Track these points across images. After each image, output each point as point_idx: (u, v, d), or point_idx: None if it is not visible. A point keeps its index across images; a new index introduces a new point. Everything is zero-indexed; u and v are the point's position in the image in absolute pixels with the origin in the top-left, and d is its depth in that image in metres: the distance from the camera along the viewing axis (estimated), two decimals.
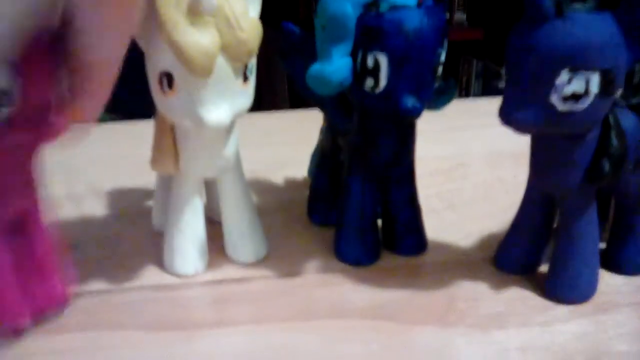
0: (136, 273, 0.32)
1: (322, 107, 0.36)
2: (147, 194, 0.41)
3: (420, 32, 0.27)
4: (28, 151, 0.25)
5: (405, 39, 0.27)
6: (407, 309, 0.29)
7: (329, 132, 0.37)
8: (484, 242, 0.35)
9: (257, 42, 0.27)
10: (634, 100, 0.29)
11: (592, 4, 0.25)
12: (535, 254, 0.32)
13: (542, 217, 0.31)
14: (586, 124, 0.26)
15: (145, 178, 0.39)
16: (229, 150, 0.31)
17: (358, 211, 0.33)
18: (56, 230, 0.28)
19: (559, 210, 0.30)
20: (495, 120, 0.26)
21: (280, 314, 0.29)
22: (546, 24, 0.24)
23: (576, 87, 0.24)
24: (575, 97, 0.24)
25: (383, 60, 0.27)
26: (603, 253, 0.32)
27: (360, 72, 0.28)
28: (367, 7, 0.27)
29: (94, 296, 0.30)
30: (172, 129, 0.30)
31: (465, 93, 1.46)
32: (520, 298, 0.30)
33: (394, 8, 0.27)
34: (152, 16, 0.25)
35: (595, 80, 0.24)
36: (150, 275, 0.32)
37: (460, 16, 1.43)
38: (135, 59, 0.27)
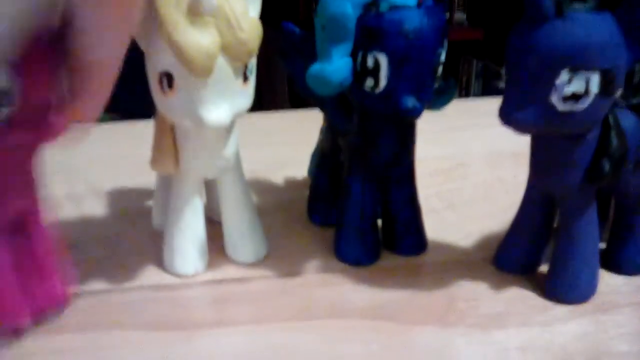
0: (136, 273, 0.32)
1: (322, 107, 0.36)
2: (147, 194, 0.41)
3: (420, 32, 0.27)
4: (28, 151, 0.25)
5: (405, 39, 0.27)
6: (407, 309, 0.29)
7: (329, 132, 0.37)
8: (484, 242, 0.35)
9: (257, 42, 0.27)
10: (634, 100, 0.29)
11: (592, 4, 0.25)
12: (535, 254, 0.32)
13: (542, 217, 0.31)
14: (586, 124, 0.26)
15: (145, 178, 0.39)
16: (229, 150, 0.31)
17: (358, 211, 0.33)
18: (56, 230, 0.28)
19: (559, 210, 0.30)
20: (495, 120, 0.26)
21: (280, 313, 0.29)
22: (546, 24, 0.24)
23: (576, 87, 0.24)
24: (575, 97, 0.24)
25: (383, 60, 0.27)
26: (603, 253, 0.32)
27: (360, 72, 0.28)
28: (367, 7, 0.27)
29: (94, 296, 0.30)
30: (172, 129, 0.30)
31: (465, 93, 1.46)
32: (520, 298, 0.30)
33: (394, 8, 0.27)
34: (152, 16, 0.25)
35: (595, 80, 0.24)
36: (150, 275, 0.32)
37: (460, 16, 1.43)
38: (135, 59, 0.27)
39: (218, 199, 0.33)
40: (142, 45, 0.27)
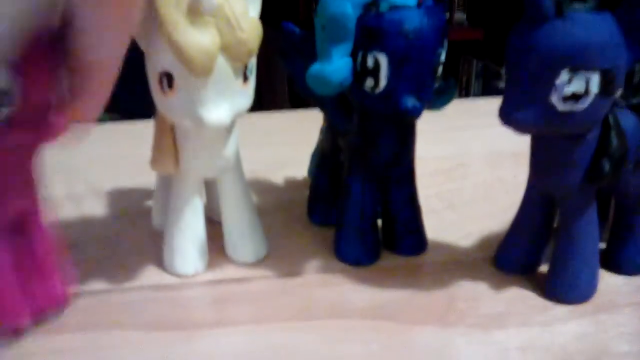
0: (136, 273, 0.32)
1: (322, 107, 0.36)
2: (147, 194, 0.41)
3: (420, 32, 0.27)
4: (28, 151, 0.25)
5: (405, 39, 0.27)
6: (407, 309, 0.29)
7: (329, 132, 0.37)
8: (484, 242, 0.35)
9: (257, 42, 0.27)
10: (634, 100, 0.29)
11: (592, 4, 0.25)
12: (535, 254, 0.32)
13: (542, 217, 0.31)
14: (586, 124, 0.26)
15: (145, 178, 0.39)
16: (229, 150, 0.31)
17: (358, 211, 0.33)
18: (56, 230, 0.28)
19: (559, 210, 0.30)
20: (495, 120, 0.26)
21: (280, 314, 0.29)
22: (546, 24, 0.24)
23: (576, 87, 0.24)
24: (575, 97, 0.24)
25: (383, 60, 0.27)
26: (603, 253, 0.32)
27: (360, 72, 0.28)
28: (367, 7, 0.27)
29: (93, 296, 0.30)
30: (172, 129, 0.30)
31: (465, 93, 1.46)
32: (520, 298, 0.30)
33: (394, 8, 0.27)
34: (152, 16, 0.25)
35: (595, 80, 0.24)
36: (150, 275, 0.32)
37: (460, 16, 1.43)
38: (135, 59, 0.27)
39: (218, 199, 0.33)
40: (142, 45, 0.27)
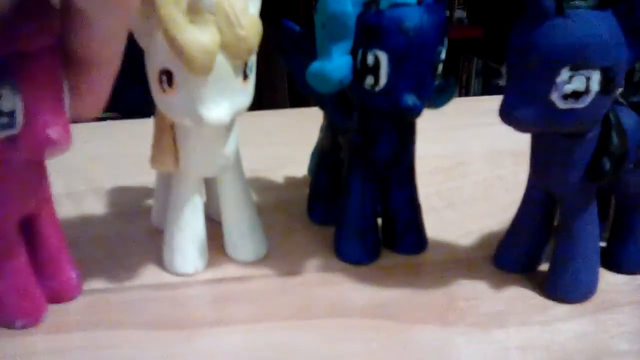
0: (136, 272, 0.32)
1: (322, 106, 0.36)
2: (147, 192, 0.41)
3: (421, 30, 0.27)
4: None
5: (406, 36, 0.27)
6: (407, 307, 0.29)
7: (329, 130, 0.37)
8: (484, 241, 0.35)
9: (257, 39, 0.27)
10: (635, 99, 0.29)
11: (593, 2, 0.25)
12: (536, 253, 0.32)
13: (542, 216, 0.31)
14: (587, 123, 0.26)
15: (145, 177, 0.39)
16: (229, 148, 0.31)
17: (358, 210, 0.33)
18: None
19: (559, 209, 0.30)
20: (495, 118, 0.26)
21: (280, 312, 0.29)
22: (547, 21, 0.24)
23: (577, 85, 0.24)
24: (576, 96, 0.24)
25: (383, 58, 0.27)
26: (603, 252, 0.32)
27: (361, 70, 0.28)
28: (367, 5, 0.27)
29: (93, 295, 0.30)
30: (172, 127, 0.30)
31: (466, 91, 1.46)
32: (520, 297, 0.30)
33: (394, 6, 0.27)
34: (152, 14, 0.25)
35: (595, 78, 0.24)
36: (150, 274, 0.32)
37: (460, 14, 1.43)
38: (135, 58, 0.27)
39: (218, 197, 0.33)
40: (142, 44, 0.27)
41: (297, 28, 0.35)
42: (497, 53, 1.34)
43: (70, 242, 0.30)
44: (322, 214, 0.37)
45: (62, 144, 0.23)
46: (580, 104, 0.25)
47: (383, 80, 0.28)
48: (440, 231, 0.36)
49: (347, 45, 0.28)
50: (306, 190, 0.39)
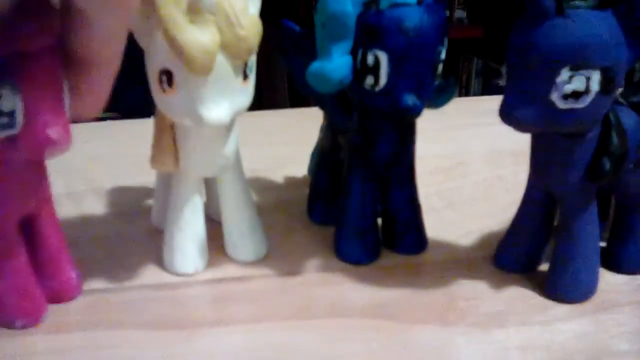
0: (136, 272, 0.32)
1: (322, 106, 0.36)
2: (147, 192, 0.41)
3: (421, 30, 0.27)
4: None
5: (406, 36, 0.27)
6: (407, 307, 0.29)
7: (329, 130, 0.37)
8: (484, 241, 0.35)
9: (257, 39, 0.27)
10: (635, 99, 0.29)
11: (593, 2, 0.25)
12: (536, 253, 0.32)
13: (542, 216, 0.31)
14: (587, 122, 0.26)
15: (145, 177, 0.39)
16: (229, 148, 0.31)
17: (358, 210, 0.33)
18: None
19: (559, 209, 0.30)
20: (495, 118, 0.26)
21: (280, 312, 0.29)
22: (547, 21, 0.24)
23: (577, 85, 0.24)
24: (576, 95, 0.24)
25: (383, 58, 0.27)
26: (603, 252, 0.32)
27: (361, 70, 0.28)
28: (367, 5, 0.27)
29: (93, 295, 0.30)
30: (172, 127, 0.30)
31: (466, 91, 1.46)
32: (520, 297, 0.30)
33: (394, 5, 0.27)
34: (152, 14, 0.25)
35: (595, 78, 0.24)
36: (150, 274, 0.32)
37: (460, 14, 1.43)
38: (135, 58, 0.27)
39: (218, 197, 0.33)
40: (142, 44, 0.27)
41: (297, 28, 0.35)
42: (497, 53, 1.34)
43: (70, 242, 0.30)
44: (322, 214, 0.37)
45: (62, 144, 0.23)
46: (580, 104, 0.25)
47: (383, 80, 0.28)
48: (440, 231, 0.36)
49: (347, 45, 0.28)
50: (306, 190, 0.39)
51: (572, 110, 0.25)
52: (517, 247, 0.32)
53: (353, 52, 0.28)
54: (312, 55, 0.29)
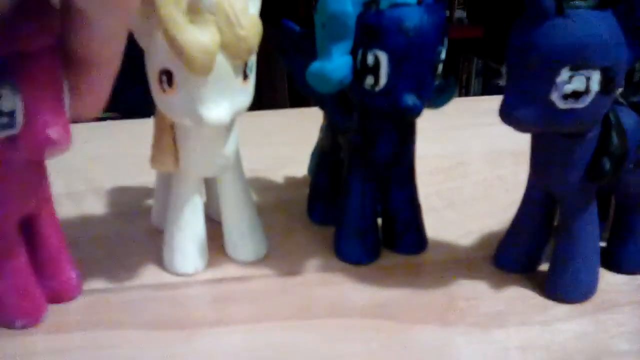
0: (136, 272, 0.32)
1: (322, 106, 0.36)
2: (147, 192, 0.41)
3: (421, 30, 0.27)
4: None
5: (406, 36, 0.27)
6: (407, 307, 0.29)
7: (329, 130, 0.37)
8: (484, 241, 0.35)
9: (257, 39, 0.27)
10: (635, 99, 0.29)
11: (593, 2, 0.25)
12: (536, 253, 0.32)
13: (542, 216, 0.31)
14: (587, 122, 0.26)
15: (145, 177, 0.39)
16: (229, 148, 0.31)
17: (358, 210, 0.33)
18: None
19: (559, 209, 0.30)
20: (495, 118, 0.26)
21: (280, 312, 0.29)
22: (547, 21, 0.24)
23: (577, 85, 0.24)
24: (576, 95, 0.24)
25: (383, 58, 0.27)
26: (603, 252, 0.32)
27: (361, 70, 0.28)
28: (367, 5, 0.27)
29: (93, 295, 0.30)
30: (172, 127, 0.30)
31: (466, 91, 1.46)
32: (520, 297, 0.30)
33: (394, 5, 0.27)
34: (152, 14, 0.25)
35: (595, 78, 0.24)
36: (150, 274, 0.32)
37: (460, 14, 1.43)
38: (135, 58, 0.27)
39: (218, 197, 0.33)
40: (142, 44, 0.27)
41: (297, 28, 0.35)
42: (497, 53, 1.34)
43: (70, 242, 0.30)
44: (322, 214, 0.37)
45: (62, 144, 0.23)
46: (580, 104, 0.25)
47: (383, 80, 0.28)
48: (440, 231, 0.36)
49: (347, 45, 0.28)
50: (306, 190, 0.39)
51: (572, 110, 0.25)
52: (517, 247, 0.32)
53: (353, 52, 0.28)
54: (312, 55, 0.29)
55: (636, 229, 0.31)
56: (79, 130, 0.24)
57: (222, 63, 0.26)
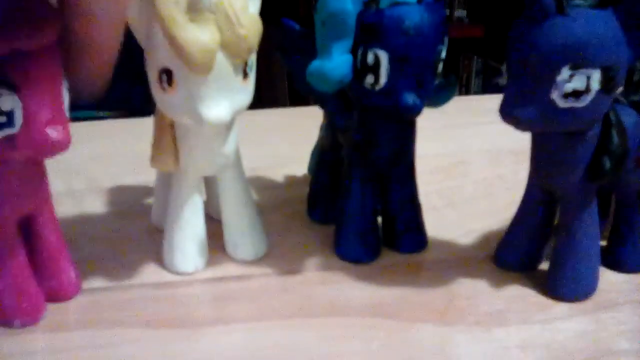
0: (136, 271, 0.32)
1: (322, 104, 0.36)
2: (147, 191, 0.41)
3: (421, 29, 0.27)
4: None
5: (406, 35, 0.27)
6: (407, 306, 0.29)
7: (329, 129, 0.37)
8: (484, 240, 0.35)
9: (257, 38, 0.27)
10: (635, 98, 0.29)
11: (593, 1, 0.25)
12: (536, 252, 0.32)
13: (542, 214, 0.31)
14: (587, 121, 0.26)
15: (145, 175, 0.39)
16: (229, 147, 0.31)
17: (358, 209, 0.33)
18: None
19: (559, 207, 0.30)
20: (495, 117, 0.26)
21: (280, 311, 0.29)
22: (547, 20, 0.24)
23: (577, 84, 0.24)
24: (576, 94, 0.24)
25: (383, 57, 0.27)
26: (604, 251, 0.32)
27: (361, 68, 0.28)
28: (367, 4, 0.27)
29: (93, 294, 0.30)
30: (172, 126, 0.30)
31: (466, 90, 1.45)
32: (520, 296, 0.30)
33: (394, 4, 0.27)
34: (152, 13, 0.25)
35: (596, 77, 0.24)
36: (150, 272, 0.32)
37: (460, 13, 1.43)
38: (134, 56, 0.27)
39: (218, 196, 0.33)
40: (142, 43, 0.27)
41: (297, 27, 0.35)
42: (497, 52, 1.34)
43: (70, 241, 0.30)
44: (322, 212, 0.37)
45: (61, 143, 0.23)
46: (580, 103, 0.25)
47: (383, 79, 0.28)
48: (441, 230, 0.36)
49: (347, 43, 0.28)
50: (306, 189, 0.39)
51: (572, 109, 0.25)
52: (518, 246, 0.32)
53: (353, 51, 0.28)
54: (312, 54, 0.29)
55: (636, 228, 0.31)
56: (79, 130, 0.24)
57: (222, 62, 0.26)
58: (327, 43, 0.28)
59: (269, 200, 0.41)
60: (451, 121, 0.52)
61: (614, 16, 0.24)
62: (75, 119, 0.25)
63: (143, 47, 0.27)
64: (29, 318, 0.27)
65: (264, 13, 0.28)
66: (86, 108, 0.47)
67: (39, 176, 0.27)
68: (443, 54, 0.28)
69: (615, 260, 0.32)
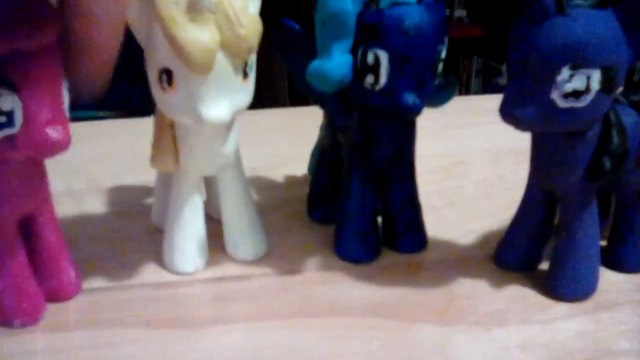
0: (136, 271, 0.32)
1: (322, 104, 0.36)
2: (146, 191, 0.41)
3: (421, 29, 0.27)
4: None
5: (406, 35, 0.27)
6: (407, 306, 0.29)
7: (329, 129, 0.37)
8: (484, 240, 0.35)
9: (257, 38, 0.27)
10: (635, 98, 0.29)
11: (593, 1, 0.25)
12: (536, 252, 0.32)
13: (542, 214, 0.31)
14: (587, 121, 0.26)
15: (145, 175, 0.39)
16: (229, 147, 0.31)
17: (358, 209, 0.33)
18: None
19: (559, 207, 0.30)
20: (495, 117, 0.26)
21: (280, 311, 0.29)
22: (547, 20, 0.24)
23: (577, 84, 0.24)
24: (576, 94, 0.24)
25: (383, 57, 0.27)
26: (604, 251, 0.32)
27: (361, 68, 0.28)
28: (367, 4, 0.27)
29: (93, 294, 0.30)
30: (172, 126, 0.30)
31: (466, 90, 1.45)
32: (520, 296, 0.30)
33: (394, 4, 0.27)
34: (152, 13, 0.25)
35: (596, 77, 0.24)
36: (150, 272, 0.32)
37: (460, 13, 1.43)
38: (134, 56, 0.27)
39: (218, 196, 0.33)
40: (142, 43, 0.27)
41: (297, 27, 0.35)
42: (497, 52, 1.34)
43: (70, 241, 0.30)
44: (322, 212, 0.37)
45: (61, 143, 0.23)
46: (580, 103, 0.25)
47: (383, 79, 0.28)
48: (441, 230, 0.36)
49: (347, 43, 0.28)
50: (306, 189, 0.39)
51: (572, 109, 0.25)
52: (518, 246, 0.32)
53: (353, 51, 0.28)
54: (312, 54, 0.29)
55: (636, 228, 0.31)
56: (79, 130, 0.24)
57: (222, 62, 0.26)
58: (327, 43, 0.28)
59: (269, 200, 0.41)
60: (451, 121, 0.52)
61: (614, 16, 0.24)
62: (75, 119, 0.25)
63: (143, 47, 0.27)
64: (29, 318, 0.27)
65: (264, 13, 0.28)
66: (86, 108, 0.47)
67: (39, 176, 0.27)
68: (443, 54, 0.28)
69: (615, 260, 0.32)
